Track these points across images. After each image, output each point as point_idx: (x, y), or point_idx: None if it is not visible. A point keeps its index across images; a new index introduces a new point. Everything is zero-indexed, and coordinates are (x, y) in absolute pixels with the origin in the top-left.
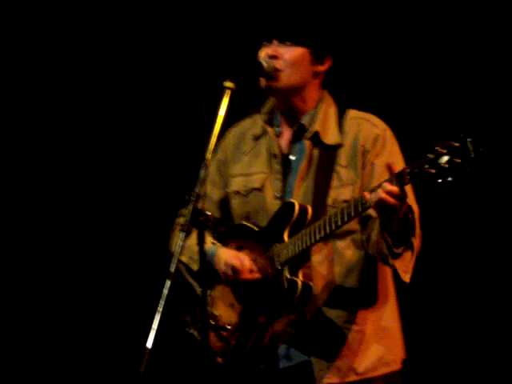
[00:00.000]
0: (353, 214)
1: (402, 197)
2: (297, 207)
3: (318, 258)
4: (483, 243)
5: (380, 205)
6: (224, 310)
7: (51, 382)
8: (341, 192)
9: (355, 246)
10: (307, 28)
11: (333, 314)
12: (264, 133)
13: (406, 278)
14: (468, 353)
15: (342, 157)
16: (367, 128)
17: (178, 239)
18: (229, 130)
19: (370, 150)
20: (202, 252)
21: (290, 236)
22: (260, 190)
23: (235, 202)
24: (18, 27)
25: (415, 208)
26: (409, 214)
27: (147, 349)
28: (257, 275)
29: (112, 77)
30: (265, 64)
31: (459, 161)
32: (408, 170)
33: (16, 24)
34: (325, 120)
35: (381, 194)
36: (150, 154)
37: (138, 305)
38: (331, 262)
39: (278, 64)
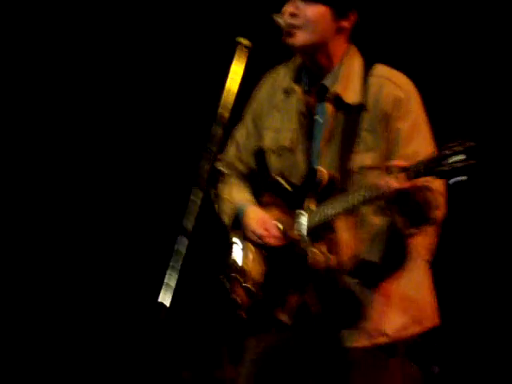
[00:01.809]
0: (371, 199)
1: (414, 190)
2: (325, 176)
3: (342, 224)
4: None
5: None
6: (254, 265)
7: (65, 344)
8: (365, 157)
9: (381, 213)
10: None
11: (357, 279)
12: (293, 89)
13: (428, 255)
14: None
15: (365, 120)
16: (389, 89)
17: (224, 186)
18: (263, 79)
19: (391, 113)
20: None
21: (316, 204)
22: (291, 149)
23: (270, 158)
24: (18, 27)
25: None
26: (426, 195)
27: (163, 307)
28: (280, 242)
29: (123, 38)
30: (279, 20)
31: (473, 161)
32: (422, 166)
33: (16, 24)
34: (347, 78)
35: (383, 186)
36: (163, 113)
37: (156, 265)
38: (356, 228)
39: (298, 21)
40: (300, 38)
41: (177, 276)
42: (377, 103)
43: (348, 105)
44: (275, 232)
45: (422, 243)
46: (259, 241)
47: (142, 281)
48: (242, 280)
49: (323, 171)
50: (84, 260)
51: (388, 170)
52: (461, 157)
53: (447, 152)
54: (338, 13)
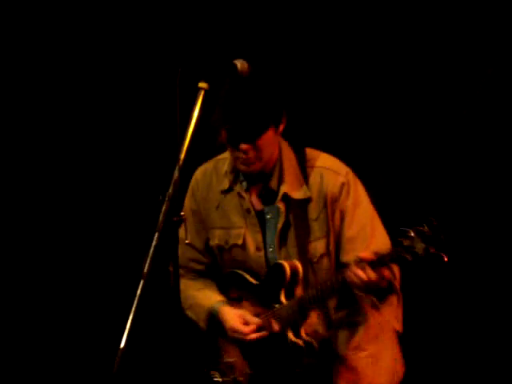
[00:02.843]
0: (334, 292)
1: (378, 278)
2: (288, 269)
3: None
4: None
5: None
6: (238, 357)
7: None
8: (317, 246)
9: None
10: (271, 113)
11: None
12: (231, 189)
13: (399, 326)
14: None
15: (312, 210)
16: (331, 178)
17: (188, 290)
18: (194, 178)
19: (337, 198)
20: (176, 252)
21: (286, 297)
22: (241, 245)
23: (221, 255)
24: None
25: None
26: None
27: (120, 349)
28: (262, 333)
29: (85, 78)
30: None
31: (433, 250)
32: (388, 257)
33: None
34: (290, 176)
35: (353, 278)
36: (124, 156)
37: (113, 307)
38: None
39: (253, 155)
40: (258, 166)
41: (132, 318)
42: (320, 193)
43: (296, 200)
44: (254, 323)
45: (391, 314)
46: (241, 337)
47: (102, 325)
48: (232, 374)
49: (284, 264)
50: (46, 304)
51: (356, 262)
52: (421, 245)
53: (407, 243)
54: (277, 124)
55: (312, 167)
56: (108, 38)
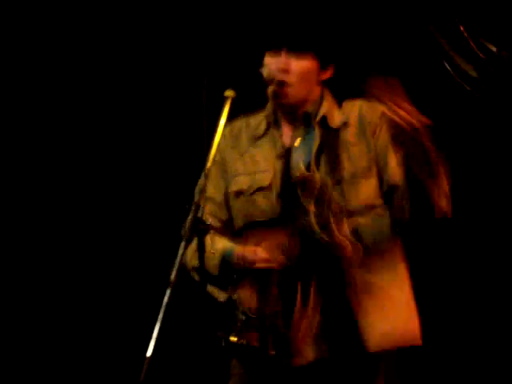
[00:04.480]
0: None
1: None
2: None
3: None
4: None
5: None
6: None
7: None
8: (355, 167)
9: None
10: (317, 35)
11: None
12: (266, 133)
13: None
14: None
15: (350, 134)
16: (370, 106)
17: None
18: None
19: (378, 122)
20: (202, 260)
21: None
22: (268, 188)
23: (237, 202)
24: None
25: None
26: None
27: (147, 358)
28: (273, 264)
29: (109, 85)
30: (265, 73)
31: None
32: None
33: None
34: (328, 106)
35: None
36: (150, 164)
37: (139, 315)
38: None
39: (289, 78)
40: (292, 96)
41: (159, 326)
42: (361, 118)
43: (332, 128)
44: (265, 255)
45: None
46: (245, 264)
47: (129, 334)
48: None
49: (301, 170)
50: (72, 312)
51: None
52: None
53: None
54: (321, 66)
55: (350, 105)
56: (135, 46)
